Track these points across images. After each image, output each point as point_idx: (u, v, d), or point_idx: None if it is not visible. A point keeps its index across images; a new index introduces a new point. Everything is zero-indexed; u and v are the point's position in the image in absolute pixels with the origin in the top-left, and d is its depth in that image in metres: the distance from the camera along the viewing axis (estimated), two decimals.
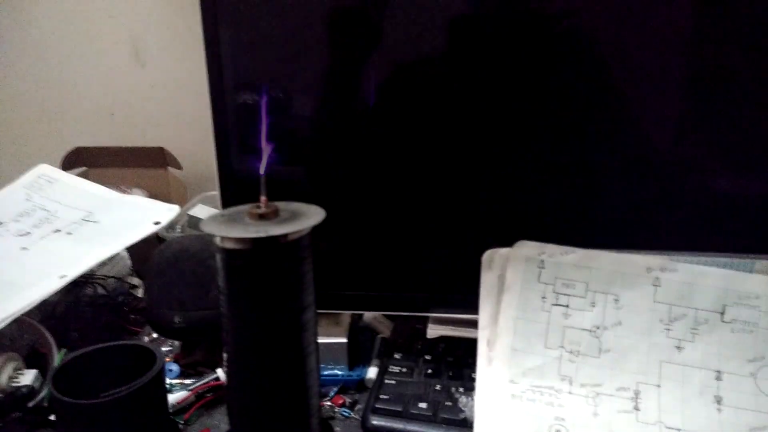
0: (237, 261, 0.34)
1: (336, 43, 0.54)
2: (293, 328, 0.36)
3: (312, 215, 0.35)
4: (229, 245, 0.34)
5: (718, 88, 0.52)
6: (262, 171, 0.35)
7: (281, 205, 0.36)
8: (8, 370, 0.54)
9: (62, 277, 0.58)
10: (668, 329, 0.52)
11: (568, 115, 0.54)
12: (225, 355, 0.36)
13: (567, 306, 0.53)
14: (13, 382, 0.54)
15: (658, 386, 0.51)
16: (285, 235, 0.34)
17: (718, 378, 0.51)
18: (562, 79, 0.53)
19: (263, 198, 0.35)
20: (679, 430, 0.49)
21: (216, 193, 0.60)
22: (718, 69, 0.52)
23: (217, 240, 0.34)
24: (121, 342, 0.51)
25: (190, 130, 0.87)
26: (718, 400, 0.50)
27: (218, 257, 0.34)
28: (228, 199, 0.58)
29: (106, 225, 0.67)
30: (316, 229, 0.35)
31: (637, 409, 0.50)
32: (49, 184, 0.75)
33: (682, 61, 0.52)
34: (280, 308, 0.35)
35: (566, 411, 0.50)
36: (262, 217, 0.35)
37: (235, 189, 0.58)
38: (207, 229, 0.34)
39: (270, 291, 0.34)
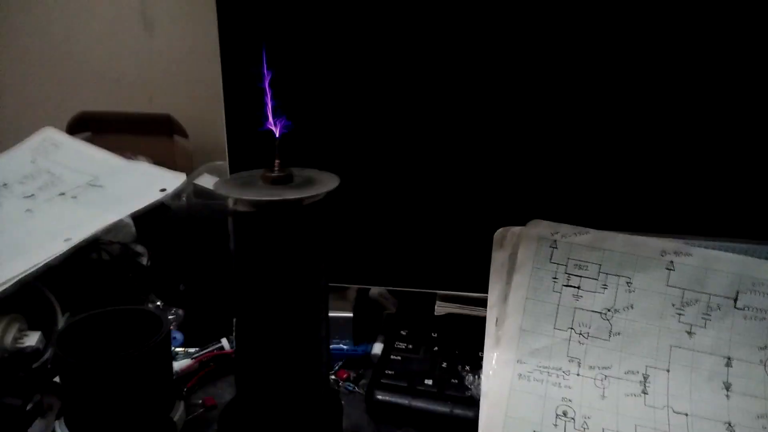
0: (250, 224, 0.33)
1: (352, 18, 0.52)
2: (305, 295, 0.35)
3: (327, 181, 0.35)
4: (242, 208, 0.33)
5: (739, 70, 0.51)
6: (277, 134, 0.34)
7: (295, 170, 0.35)
8: (13, 330, 0.54)
9: (67, 240, 0.58)
10: (680, 314, 0.51)
11: (585, 94, 0.53)
12: (234, 321, 0.36)
13: (578, 287, 0.53)
14: (18, 343, 0.54)
15: (668, 371, 0.50)
16: (300, 199, 0.33)
17: (728, 364, 0.50)
18: (577, 56, 0.52)
19: (277, 162, 0.34)
20: (686, 414, 0.49)
21: (223, 162, 0.59)
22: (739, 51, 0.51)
23: (230, 202, 0.33)
24: (127, 306, 0.50)
25: (197, 97, 0.85)
26: (727, 387, 0.50)
27: (230, 220, 0.34)
28: (236, 167, 0.57)
29: (112, 190, 0.66)
30: (329, 199, 0.34)
31: (645, 392, 0.50)
32: (54, 147, 0.74)
33: (704, 43, 0.51)
34: (293, 274, 0.34)
35: (573, 392, 0.50)
36: (276, 181, 0.34)
37: (245, 157, 0.57)
38: (220, 191, 0.33)
39: (282, 256, 0.33)
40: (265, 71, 0.34)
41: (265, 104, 0.34)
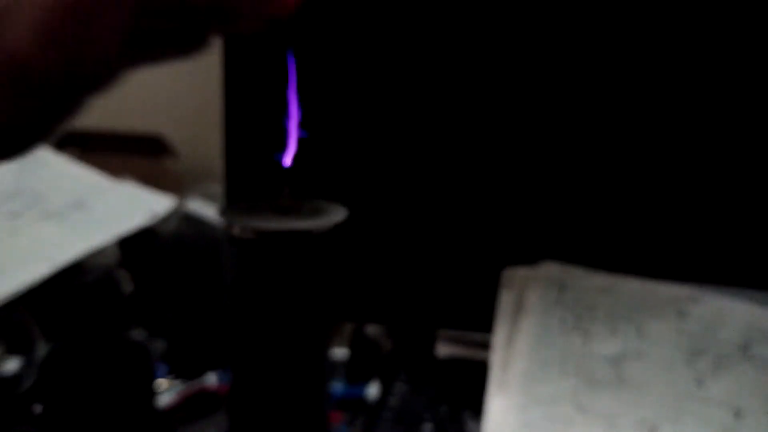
0: (255, 254, 0.31)
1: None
2: (313, 335, 0.32)
3: (335, 212, 0.33)
4: (246, 235, 0.30)
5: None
6: (288, 162, 0.32)
7: (303, 200, 0.33)
8: None
9: (50, 264, 0.55)
10: (690, 363, 0.50)
11: (600, 135, 0.52)
12: (229, 358, 0.33)
13: (587, 332, 0.51)
14: None
15: (676, 422, 0.48)
16: (310, 230, 0.31)
17: (737, 416, 0.49)
18: (590, 93, 0.51)
19: (286, 190, 0.32)
20: None
21: (216, 185, 0.57)
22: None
23: (235, 231, 0.31)
24: (112, 335, 0.47)
25: (190, 117, 0.84)
26: None
27: (233, 251, 0.31)
28: (233, 192, 0.55)
29: (99, 213, 0.63)
30: (336, 231, 0.33)
31: None
32: (39, 166, 0.71)
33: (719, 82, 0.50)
34: (301, 312, 0.32)
35: None
36: (284, 210, 0.32)
37: (242, 182, 0.55)
38: (226, 219, 0.31)
39: (283, 289, 0.31)
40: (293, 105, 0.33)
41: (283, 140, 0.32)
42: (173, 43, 0.31)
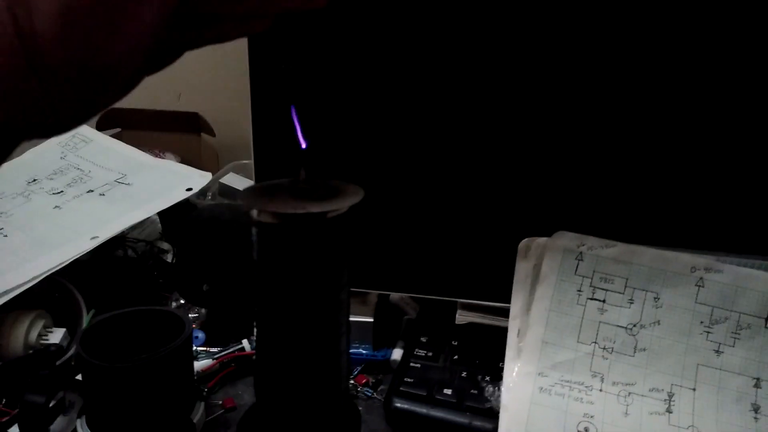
0: (273, 236, 0.33)
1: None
2: (327, 308, 0.35)
3: (351, 194, 0.34)
4: (265, 219, 0.33)
5: None
6: (303, 144, 0.34)
7: (320, 181, 0.35)
8: (38, 327, 0.55)
9: (94, 238, 0.59)
10: (708, 332, 0.50)
11: (617, 106, 0.52)
12: (255, 330, 0.36)
13: (603, 301, 0.52)
14: (42, 339, 0.55)
15: (693, 390, 0.49)
16: (324, 213, 0.33)
17: (756, 385, 0.49)
18: (605, 71, 0.51)
19: (302, 173, 0.34)
20: None
21: (248, 162, 0.59)
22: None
23: (254, 214, 0.33)
24: (150, 307, 0.51)
25: (225, 96, 0.86)
26: (756, 408, 0.48)
27: (254, 231, 0.33)
28: (263, 170, 0.57)
29: (139, 188, 0.67)
30: (352, 211, 0.34)
31: (669, 411, 0.49)
32: (84, 143, 0.75)
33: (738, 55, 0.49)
34: (315, 287, 0.34)
35: (596, 408, 0.49)
36: (300, 192, 0.34)
37: (271, 159, 0.57)
38: (245, 202, 0.33)
39: (305, 269, 0.33)
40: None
41: (294, 120, 0.33)
42: (214, 30, 0.29)
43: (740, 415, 0.48)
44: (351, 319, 0.59)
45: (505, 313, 0.54)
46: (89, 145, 0.74)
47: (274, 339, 0.35)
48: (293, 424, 0.36)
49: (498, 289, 0.55)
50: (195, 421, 0.50)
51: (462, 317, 0.59)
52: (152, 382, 0.46)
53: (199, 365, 0.56)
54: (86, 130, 0.77)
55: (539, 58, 0.51)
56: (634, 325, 0.51)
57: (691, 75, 0.50)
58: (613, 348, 0.51)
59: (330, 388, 0.36)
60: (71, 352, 0.54)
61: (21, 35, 0.21)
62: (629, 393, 0.50)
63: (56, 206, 0.64)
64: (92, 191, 0.66)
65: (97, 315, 0.57)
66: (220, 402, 0.54)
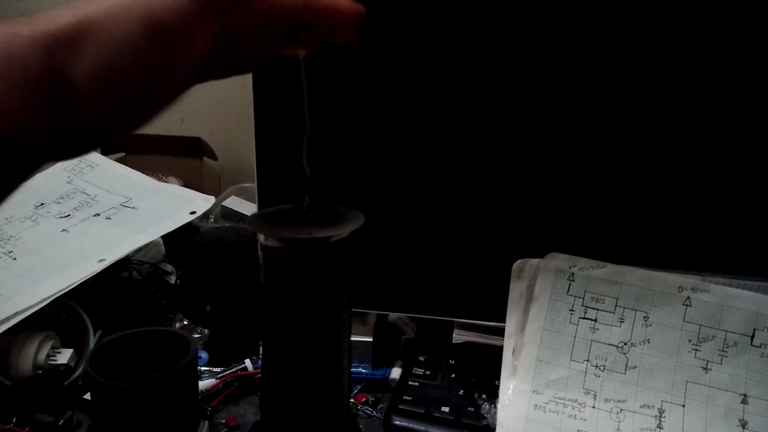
0: (279, 260, 0.35)
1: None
2: (330, 328, 0.36)
3: (353, 219, 0.36)
4: (272, 244, 0.34)
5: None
6: (308, 172, 0.36)
7: (323, 207, 0.37)
8: (46, 348, 0.56)
9: (101, 260, 0.60)
10: (696, 350, 0.52)
11: (606, 129, 0.54)
12: (261, 349, 0.37)
13: (595, 320, 0.53)
14: (51, 360, 0.56)
15: (683, 406, 0.51)
16: (327, 238, 0.34)
17: (744, 401, 0.51)
18: (596, 89, 0.53)
19: (307, 199, 0.36)
20: None
21: (250, 185, 0.61)
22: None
23: (261, 238, 0.35)
24: (156, 328, 0.52)
25: (227, 121, 0.88)
26: (743, 424, 0.50)
27: (260, 255, 0.35)
28: (265, 193, 0.59)
29: (144, 212, 0.69)
30: (353, 236, 0.36)
31: (660, 427, 0.50)
32: (90, 168, 0.77)
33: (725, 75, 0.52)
34: (319, 307, 0.36)
35: (588, 424, 0.51)
36: (305, 218, 0.36)
37: (273, 183, 0.59)
38: (252, 227, 0.35)
39: (309, 291, 0.35)
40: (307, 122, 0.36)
41: (302, 146, 0.35)
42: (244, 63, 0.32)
43: (728, 430, 0.50)
44: (351, 338, 0.61)
45: (500, 333, 0.55)
46: (95, 170, 0.76)
47: (279, 357, 0.37)
48: None
49: (493, 309, 0.57)
50: None
51: (459, 336, 0.60)
52: (159, 400, 0.48)
53: (203, 384, 0.57)
54: (92, 156, 0.79)
55: (530, 83, 0.54)
56: (625, 344, 0.53)
57: (676, 98, 0.52)
58: (605, 366, 0.53)
59: (332, 404, 0.38)
60: (79, 372, 0.56)
61: (56, 83, 0.23)
62: (621, 410, 0.51)
63: (64, 230, 0.66)
64: (99, 215, 0.68)
65: (103, 336, 0.59)
66: (224, 421, 0.56)
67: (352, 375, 0.61)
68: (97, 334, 0.59)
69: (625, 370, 0.52)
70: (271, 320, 0.36)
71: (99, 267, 0.60)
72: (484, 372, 0.58)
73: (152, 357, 0.51)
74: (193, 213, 0.67)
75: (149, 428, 0.48)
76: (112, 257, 0.61)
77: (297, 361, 0.36)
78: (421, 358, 0.61)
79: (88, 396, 0.53)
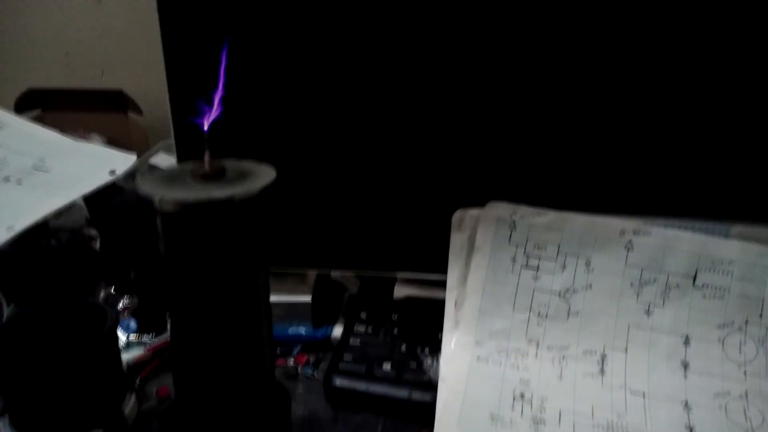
0: (176, 226, 0.31)
1: None
2: (243, 296, 0.33)
3: (262, 175, 0.33)
4: (167, 209, 0.31)
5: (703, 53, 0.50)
6: (205, 127, 0.32)
7: (229, 163, 0.33)
8: None
9: (9, 228, 0.55)
10: (639, 293, 0.51)
11: (546, 71, 0.51)
12: (169, 324, 0.34)
13: (537, 269, 0.52)
14: None
15: (625, 350, 0.50)
16: (230, 198, 0.31)
17: (686, 343, 0.50)
18: (539, 30, 0.50)
19: (207, 155, 0.32)
20: (644, 394, 0.49)
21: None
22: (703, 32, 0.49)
23: (156, 202, 0.31)
24: (71, 300, 0.48)
25: (150, 72, 0.82)
26: (685, 366, 0.50)
27: (157, 220, 0.32)
28: (184, 150, 0.55)
29: (59, 174, 0.63)
30: (279, 185, 0.33)
31: (602, 372, 0.50)
32: None
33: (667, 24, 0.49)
34: (226, 276, 0.32)
35: (531, 374, 0.50)
36: (206, 177, 0.32)
37: (193, 139, 0.54)
38: (144, 189, 0.31)
39: (213, 258, 0.32)
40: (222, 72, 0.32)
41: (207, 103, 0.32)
42: None
43: (671, 372, 0.49)
44: (289, 299, 0.59)
45: (442, 286, 0.53)
46: (4, 130, 0.69)
47: (189, 331, 0.34)
48: (216, 415, 0.35)
49: (435, 261, 0.55)
50: (126, 412, 0.48)
51: (400, 291, 0.58)
52: (75, 374, 0.44)
53: (130, 355, 0.54)
54: (1, 115, 0.72)
55: (466, 17, 0.50)
56: (567, 291, 0.52)
57: (614, 33, 0.50)
58: (547, 314, 0.51)
59: (252, 375, 0.35)
60: None
61: None
62: (563, 357, 0.50)
63: None
64: (8, 179, 0.63)
65: (18, 308, 0.55)
66: (154, 392, 0.53)
67: (291, 337, 0.59)
68: (11, 307, 0.55)
69: (568, 317, 0.51)
70: (176, 292, 0.33)
71: (8, 235, 0.55)
72: (426, 326, 0.56)
73: (69, 331, 0.48)
74: (113, 172, 0.62)
75: (67, 404, 0.45)
76: (22, 224, 0.56)
77: (208, 334, 0.33)
78: (363, 316, 0.59)
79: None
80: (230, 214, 0.31)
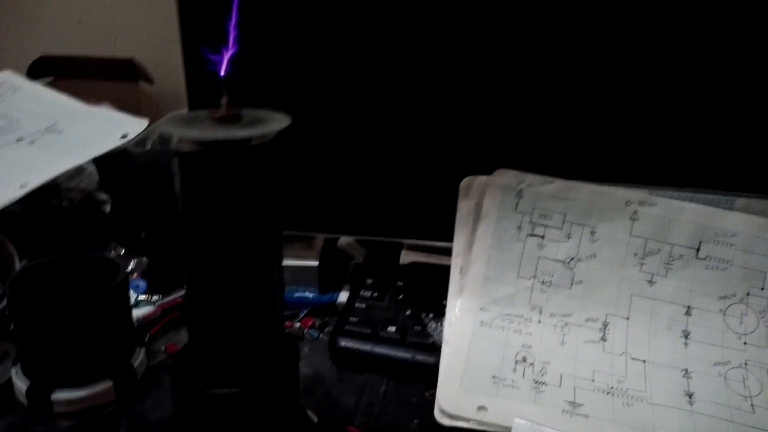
0: (194, 165, 0.32)
1: None
2: (257, 239, 0.34)
3: (278, 121, 0.33)
4: (186, 148, 0.31)
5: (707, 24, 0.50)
6: (222, 72, 0.33)
7: (246, 110, 0.34)
8: None
9: (23, 186, 0.56)
10: (642, 263, 0.52)
11: (551, 38, 0.51)
12: (185, 265, 0.35)
13: (542, 237, 0.52)
14: None
15: (627, 318, 0.51)
16: (248, 139, 0.32)
17: (687, 313, 0.51)
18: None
19: (224, 100, 0.33)
20: (644, 361, 0.49)
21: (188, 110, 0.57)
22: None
23: (174, 142, 0.32)
24: (83, 253, 0.49)
25: (162, 41, 0.82)
26: (686, 335, 0.50)
27: (175, 161, 0.32)
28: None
29: (71, 136, 0.64)
30: (290, 147, 0.33)
31: (604, 339, 0.50)
32: (12, 91, 0.71)
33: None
34: (241, 217, 0.33)
35: (534, 339, 0.50)
36: (222, 120, 0.32)
37: (204, 100, 0.55)
38: (164, 129, 0.32)
39: (229, 198, 0.32)
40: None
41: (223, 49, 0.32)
42: None
43: (671, 341, 0.50)
44: (297, 263, 0.59)
45: (448, 252, 0.54)
46: (17, 93, 0.70)
47: (203, 271, 0.34)
48: (227, 359, 0.36)
49: (441, 228, 0.55)
50: (135, 365, 0.49)
51: (406, 257, 0.59)
52: (85, 324, 0.45)
53: (139, 312, 0.55)
54: (15, 79, 0.73)
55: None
56: (572, 259, 0.52)
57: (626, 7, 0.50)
58: (551, 281, 0.52)
59: (263, 320, 0.36)
60: (3, 302, 0.53)
61: None
62: (566, 323, 0.51)
63: None
64: (21, 140, 0.63)
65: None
66: (163, 348, 0.54)
67: (298, 300, 0.59)
68: (23, 262, 0.56)
69: (571, 285, 0.52)
70: (192, 234, 0.34)
71: (21, 192, 0.55)
72: (431, 292, 0.57)
73: (81, 283, 0.49)
74: (124, 136, 0.63)
75: (78, 354, 0.46)
76: (34, 182, 0.56)
77: (223, 277, 0.34)
78: (369, 281, 0.60)
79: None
80: (248, 154, 0.32)
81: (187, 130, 0.31)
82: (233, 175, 0.32)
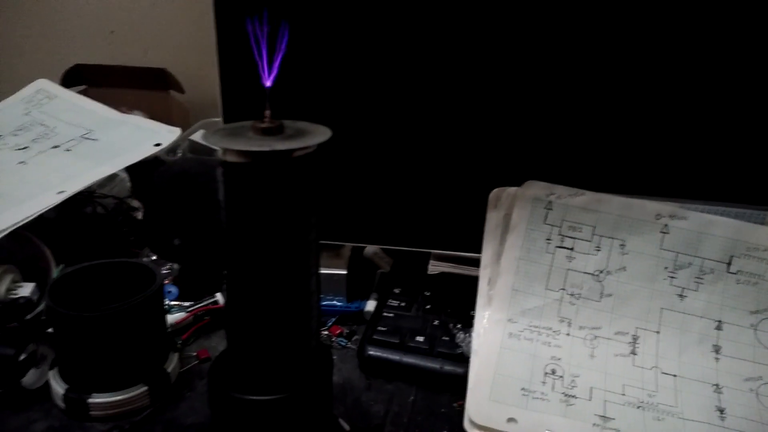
0: (239, 175, 0.33)
1: None
2: (294, 247, 0.35)
3: (319, 133, 0.34)
4: (231, 158, 0.32)
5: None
6: (267, 83, 0.33)
7: (287, 122, 0.35)
8: (6, 281, 0.54)
9: (60, 192, 0.58)
10: (672, 277, 0.52)
11: (585, 53, 0.52)
12: (225, 273, 0.36)
13: (572, 249, 0.53)
14: (11, 294, 0.54)
15: (657, 332, 0.51)
16: (290, 151, 0.32)
17: (718, 328, 0.51)
18: (576, 13, 0.51)
19: (267, 112, 0.34)
20: (675, 376, 0.49)
21: (219, 119, 0.58)
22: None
23: (219, 153, 0.33)
24: (120, 259, 0.50)
25: (193, 51, 0.84)
26: (717, 350, 0.50)
27: (219, 171, 0.33)
28: (231, 120, 0.56)
29: (106, 144, 0.65)
30: (322, 156, 0.34)
31: (634, 353, 0.50)
32: (48, 99, 0.73)
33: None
34: (281, 226, 0.34)
35: (563, 351, 0.50)
36: (265, 131, 0.33)
37: (239, 113, 0.56)
38: (208, 141, 0.32)
39: (271, 207, 0.33)
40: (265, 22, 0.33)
41: (260, 54, 0.33)
42: None
43: (702, 356, 0.50)
44: (325, 272, 0.60)
45: (476, 263, 0.54)
46: (54, 102, 0.72)
47: (243, 279, 0.35)
48: (264, 366, 0.36)
49: (469, 239, 0.56)
50: (169, 371, 0.50)
51: (434, 267, 0.59)
52: (123, 331, 0.46)
53: (172, 318, 0.56)
54: (51, 87, 0.75)
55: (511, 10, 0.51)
56: (601, 272, 0.52)
57: (653, 21, 0.50)
58: (580, 294, 0.52)
59: (300, 328, 0.36)
60: (41, 306, 0.54)
61: None
62: (595, 336, 0.51)
63: (21, 162, 0.63)
64: (58, 147, 0.65)
65: (66, 268, 0.57)
66: (194, 354, 0.55)
67: (326, 308, 0.60)
68: (60, 268, 0.57)
69: (601, 298, 0.52)
70: (234, 242, 0.34)
71: (58, 199, 0.57)
72: (459, 303, 0.57)
73: (117, 289, 0.50)
74: (158, 145, 0.64)
75: (115, 360, 0.47)
76: (72, 189, 0.58)
77: (263, 283, 0.35)
78: (396, 291, 0.60)
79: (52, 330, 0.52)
80: (290, 166, 0.33)
81: (232, 143, 0.32)
82: (279, 186, 0.33)
